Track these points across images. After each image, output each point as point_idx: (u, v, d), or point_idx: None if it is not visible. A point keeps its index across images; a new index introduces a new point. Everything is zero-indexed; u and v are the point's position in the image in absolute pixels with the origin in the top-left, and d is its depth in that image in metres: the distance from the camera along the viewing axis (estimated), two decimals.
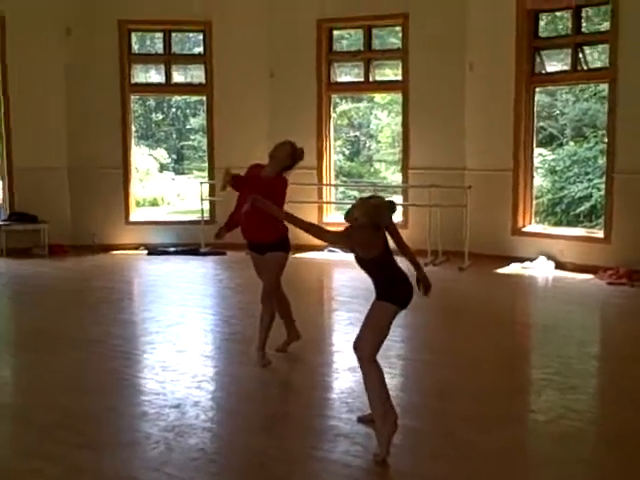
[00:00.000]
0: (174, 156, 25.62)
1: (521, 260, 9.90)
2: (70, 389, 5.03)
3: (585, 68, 9.98)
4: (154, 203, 21.89)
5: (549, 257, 9.78)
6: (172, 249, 11.24)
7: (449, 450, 3.98)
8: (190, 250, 11.15)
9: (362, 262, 4.05)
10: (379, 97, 19.61)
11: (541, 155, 15.89)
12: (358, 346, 3.98)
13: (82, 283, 9.26)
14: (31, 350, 6.10)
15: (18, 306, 8.24)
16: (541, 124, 16.81)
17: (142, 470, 3.75)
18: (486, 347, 6.16)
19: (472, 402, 4.75)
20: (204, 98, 12.10)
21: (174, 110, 25.41)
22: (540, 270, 9.62)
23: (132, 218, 11.78)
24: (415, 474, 3.70)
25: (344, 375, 5.40)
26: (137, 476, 3.68)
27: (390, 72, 12.16)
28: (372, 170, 21.08)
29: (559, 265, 9.66)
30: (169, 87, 12.24)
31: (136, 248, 11.37)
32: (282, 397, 5.07)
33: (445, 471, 3.72)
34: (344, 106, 20.54)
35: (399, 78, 11.33)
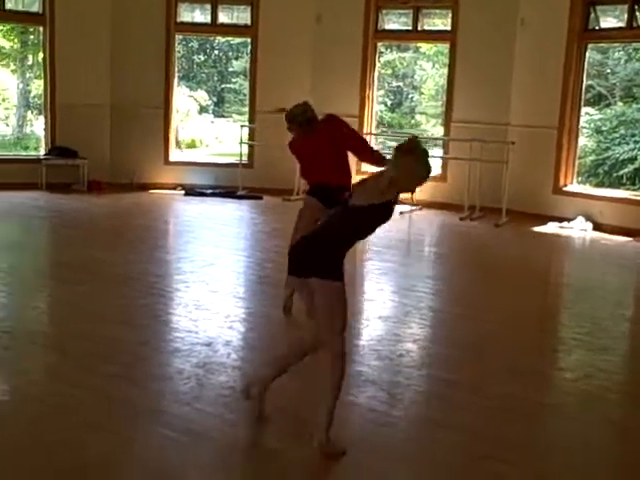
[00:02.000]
0: (214, 98, 25.54)
1: (560, 220, 9.79)
2: (106, 322, 5.12)
3: None
4: (192, 145, 21.93)
5: (588, 218, 9.65)
6: (209, 191, 11.30)
7: (476, 401, 3.99)
8: (227, 192, 11.20)
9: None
10: (425, 48, 19.26)
11: (588, 114, 15.54)
12: (324, 340, 3.32)
13: (120, 220, 9.38)
14: (68, 283, 6.22)
15: (57, 240, 8.39)
16: (590, 82, 16.40)
17: (173, 404, 3.82)
18: (518, 304, 6.13)
19: (501, 356, 4.75)
20: (248, 40, 12.01)
21: (217, 52, 25.25)
22: (578, 230, 9.51)
23: (171, 158, 11.85)
24: (440, 423, 3.73)
25: (374, 323, 5.45)
26: (168, 410, 3.75)
27: (439, 22, 11.91)
28: (413, 122, 20.82)
29: (597, 226, 9.54)
30: (214, 27, 12.13)
31: (173, 188, 11.45)
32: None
33: (470, 421, 3.74)
34: (389, 55, 20.21)
35: (448, 28, 11.12)
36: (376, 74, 11.80)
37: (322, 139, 5.26)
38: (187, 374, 4.20)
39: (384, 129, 19.57)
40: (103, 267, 6.68)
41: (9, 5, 11.22)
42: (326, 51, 11.36)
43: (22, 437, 3.41)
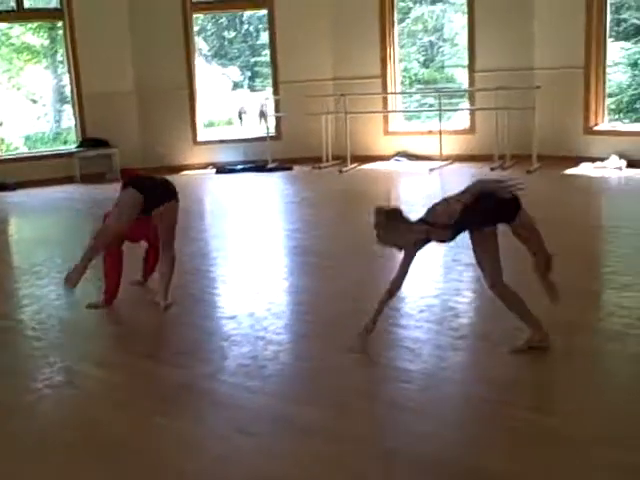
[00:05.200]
0: (248, 73, 25.49)
1: (593, 160, 9.61)
2: (135, 302, 5.25)
3: None
4: (230, 122, 21.98)
5: (622, 156, 9.45)
6: (239, 166, 11.37)
7: (491, 349, 4.00)
8: (257, 167, 11.26)
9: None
10: None
11: (623, 49, 15.08)
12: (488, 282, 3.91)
13: None
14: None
15: (89, 231, 8.54)
16: (624, 16, 15.89)
17: (198, 378, 3.92)
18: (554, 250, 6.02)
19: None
20: (266, 12, 11.99)
21: (246, 26, 25.17)
22: (612, 169, 9.32)
23: (199, 138, 11.95)
24: (452, 376, 3.76)
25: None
26: (193, 384, 3.85)
27: None
28: (443, 76, 20.50)
29: (632, 163, 9.33)
30: (231, 3, 12.14)
31: (205, 167, 11.56)
32: (337, 308, 5.09)
33: (482, 368, 3.77)
34: (418, 11, 19.88)
35: None
36: (396, 32, 11.67)
37: None
38: (212, 347, 4.30)
39: (419, 86, 19.35)
40: (136, 250, 6.80)
41: (27, 4, 11.42)
42: (344, 13, 11.29)
43: (61, 416, 3.58)
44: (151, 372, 4.04)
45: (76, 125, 11.80)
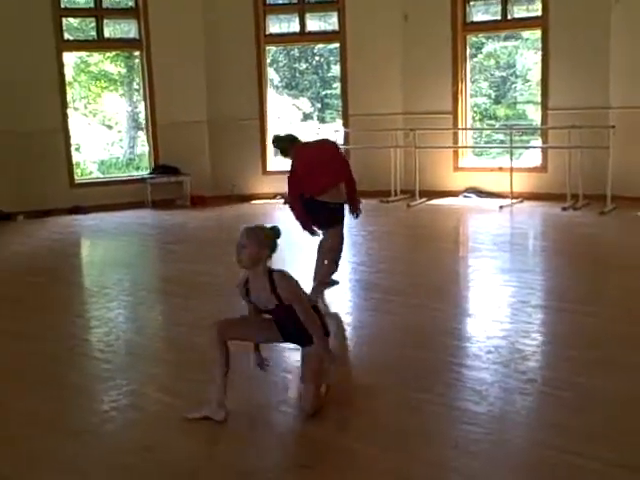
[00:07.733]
0: (318, 105, 25.72)
1: None
2: (202, 330, 5.28)
3: None
4: None
5: None
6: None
7: (558, 394, 3.89)
8: None
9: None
10: (528, 34, 18.72)
11: None
12: None
13: (222, 232, 9.63)
14: (167, 295, 6.50)
15: (160, 255, 8.73)
16: None
17: (258, 408, 3.92)
18: (622, 295, 5.87)
19: (591, 349, 4.58)
20: (338, 45, 12.11)
21: (317, 58, 25.47)
22: None
23: (269, 167, 12.08)
24: (519, 418, 3.67)
25: (465, 320, 5.38)
26: (255, 414, 3.85)
27: (529, 8, 11.61)
28: (514, 113, 20.33)
29: None
30: (303, 36, 12.29)
31: (273, 197, 11.64)
32: (404, 341, 5.04)
33: (551, 415, 3.66)
34: (490, 46, 19.79)
35: (539, 14, 10.82)
36: (468, 67, 11.63)
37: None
38: (275, 379, 4.29)
39: (490, 122, 19.20)
40: (201, 279, 6.89)
41: (107, 34, 11.82)
42: (415, 49, 11.30)
43: (123, 439, 3.63)
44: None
45: (149, 152, 12.09)
